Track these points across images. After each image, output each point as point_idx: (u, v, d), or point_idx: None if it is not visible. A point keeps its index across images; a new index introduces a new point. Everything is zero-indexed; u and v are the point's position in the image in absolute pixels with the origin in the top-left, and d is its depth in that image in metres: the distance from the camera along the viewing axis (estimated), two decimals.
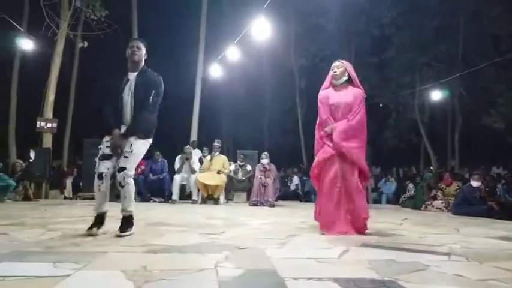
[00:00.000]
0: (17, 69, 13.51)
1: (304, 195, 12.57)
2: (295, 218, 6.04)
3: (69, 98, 16.50)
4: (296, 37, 19.47)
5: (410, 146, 19.80)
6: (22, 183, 9.06)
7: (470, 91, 16.52)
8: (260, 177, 9.27)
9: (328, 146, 4.25)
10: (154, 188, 9.97)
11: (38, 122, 10.97)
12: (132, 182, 3.64)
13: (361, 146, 4.27)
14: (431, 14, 16.03)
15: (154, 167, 10.18)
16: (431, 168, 14.96)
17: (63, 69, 12.09)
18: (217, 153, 9.91)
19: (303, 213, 6.81)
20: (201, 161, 10.45)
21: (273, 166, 9.62)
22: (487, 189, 8.71)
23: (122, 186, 3.58)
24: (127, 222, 3.65)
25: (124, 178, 3.56)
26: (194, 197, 9.49)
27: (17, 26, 11.70)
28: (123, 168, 3.57)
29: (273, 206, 8.82)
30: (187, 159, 9.84)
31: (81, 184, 11.53)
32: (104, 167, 3.61)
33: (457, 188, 9.14)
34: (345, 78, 4.36)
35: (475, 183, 8.01)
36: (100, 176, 3.61)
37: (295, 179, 13.22)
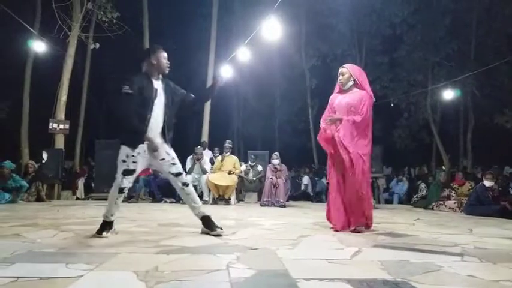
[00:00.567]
0: (29, 71, 13.61)
1: (315, 196, 12.51)
2: (306, 218, 6.03)
3: (81, 99, 16.63)
4: (307, 37, 19.43)
5: (422, 145, 19.61)
6: (35, 184, 9.09)
7: (482, 90, 16.32)
8: (271, 178, 9.26)
9: (325, 130, 4.44)
10: (165, 188, 10.00)
11: (50, 124, 11.08)
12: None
13: (366, 144, 4.42)
14: (442, 12, 15.86)
15: None
16: (443, 168, 14.80)
17: (75, 70, 12.16)
18: (228, 153, 9.91)
19: (314, 214, 6.81)
20: (212, 161, 10.46)
21: (284, 166, 9.62)
22: (500, 189, 8.60)
23: (187, 185, 3.88)
24: (211, 221, 3.90)
25: (186, 180, 3.91)
26: (205, 198, 9.46)
27: (30, 28, 11.81)
28: (181, 173, 3.88)
29: (284, 206, 8.81)
30: (198, 159, 9.86)
31: (93, 185, 11.62)
32: (128, 181, 3.68)
33: (470, 187, 9.06)
34: (351, 82, 4.61)
35: (487, 183, 7.92)
36: (121, 191, 3.68)
37: (305, 179, 13.16)
